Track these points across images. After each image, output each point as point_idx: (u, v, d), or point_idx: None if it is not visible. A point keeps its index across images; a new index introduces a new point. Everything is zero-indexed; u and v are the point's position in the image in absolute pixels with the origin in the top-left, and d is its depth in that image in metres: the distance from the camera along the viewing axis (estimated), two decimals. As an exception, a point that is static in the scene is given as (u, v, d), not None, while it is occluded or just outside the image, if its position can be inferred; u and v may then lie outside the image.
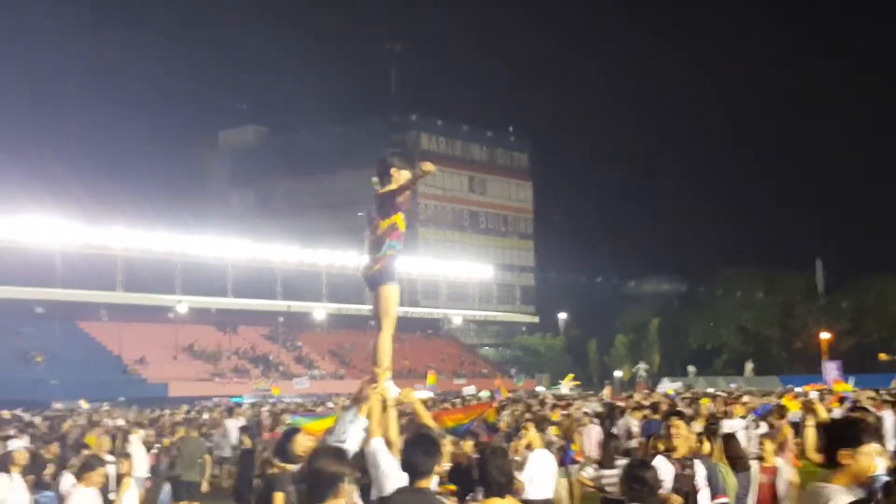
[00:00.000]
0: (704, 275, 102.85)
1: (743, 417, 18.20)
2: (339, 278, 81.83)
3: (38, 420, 28.65)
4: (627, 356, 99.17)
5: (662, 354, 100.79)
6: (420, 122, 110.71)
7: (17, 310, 67.48)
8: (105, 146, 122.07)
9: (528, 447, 12.15)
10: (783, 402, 18.63)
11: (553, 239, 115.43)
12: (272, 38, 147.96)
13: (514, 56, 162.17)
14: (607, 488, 9.59)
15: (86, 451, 13.11)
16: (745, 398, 29.78)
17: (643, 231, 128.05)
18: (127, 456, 13.42)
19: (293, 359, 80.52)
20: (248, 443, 18.09)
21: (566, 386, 57.81)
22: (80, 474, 10.13)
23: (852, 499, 4.68)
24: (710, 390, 48.65)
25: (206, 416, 30.48)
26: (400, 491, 5.81)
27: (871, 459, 5.18)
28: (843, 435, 5.20)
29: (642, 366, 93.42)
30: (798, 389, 38.29)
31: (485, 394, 56.09)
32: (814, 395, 22.61)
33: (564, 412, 23.74)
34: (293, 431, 7.20)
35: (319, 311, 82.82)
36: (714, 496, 7.77)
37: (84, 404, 44.17)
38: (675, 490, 7.44)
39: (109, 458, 12.28)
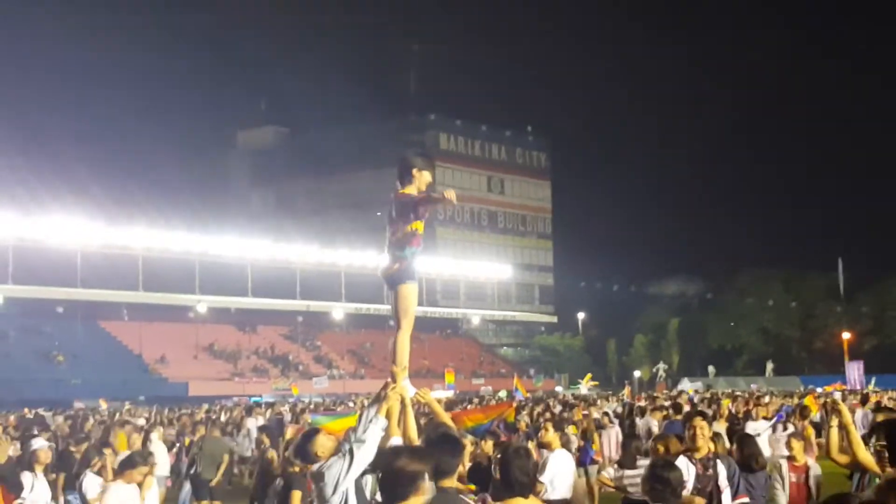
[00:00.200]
0: (724, 275, 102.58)
1: (766, 419, 18.11)
2: (358, 278, 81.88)
3: (59, 419, 28.78)
4: (647, 356, 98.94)
5: (682, 355, 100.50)
6: (439, 122, 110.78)
7: (38, 309, 67.90)
8: (125, 147, 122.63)
9: (548, 447, 12.10)
10: (805, 402, 18.53)
11: (572, 239, 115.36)
12: (291, 38, 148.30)
13: (533, 56, 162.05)
14: (629, 489, 9.54)
15: (107, 450, 13.13)
16: (766, 398, 29.69)
17: (663, 231, 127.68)
18: (149, 454, 13.45)
19: (312, 358, 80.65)
20: (267, 442, 18.12)
21: (585, 386, 57.75)
22: (121, 470, 10.14)
23: None
24: (730, 391, 48.51)
25: (223, 416, 30.54)
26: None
27: None
28: None
29: (662, 366, 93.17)
30: (819, 390, 38.11)
31: (502, 393, 56.13)
32: (837, 395, 22.49)
33: (585, 412, 23.68)
34: (314, 431, 7.17)
35: (338, 311, 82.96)
36: (735, 496, 7.73)
37: (103, 403, 44.38)
38: (698, 491, 7.40)
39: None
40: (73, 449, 14.81)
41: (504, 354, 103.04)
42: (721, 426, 15.34)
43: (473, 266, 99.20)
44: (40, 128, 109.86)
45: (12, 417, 29.44)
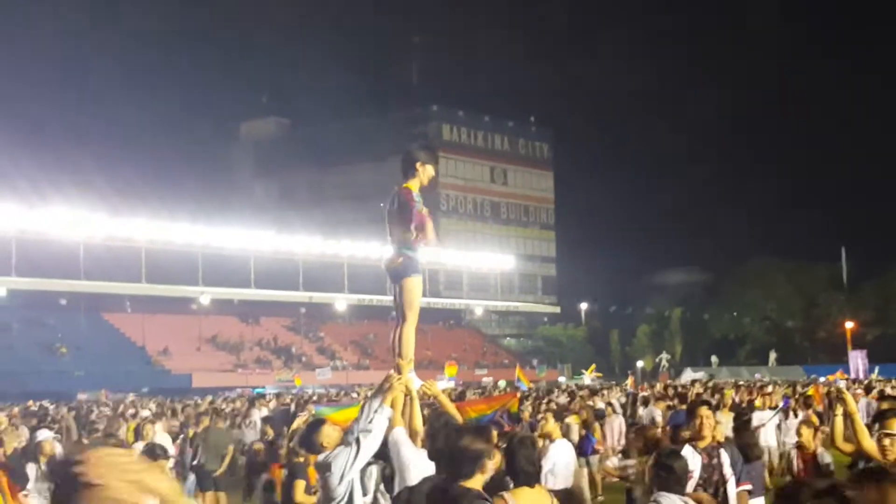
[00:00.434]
0: (728, 265, 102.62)
1: (772, 408, 18.16)
2: (361, 269, 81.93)
3: (64, 411, 28.83)
4: (650, 346, 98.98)
5: (685, 345, 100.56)
6: (441, 113, 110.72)
7: (41, 301, 68.00)
8: (128, 139, 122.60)
9: (549, 437, 12.13)
10: (809, 392, 18.57)
11: (575, 229, 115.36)
12: (293, 31, 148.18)
13: (535, 46, 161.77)
14: (632, 478, 9.55)
15: (111, 441, 13.16)
16: (768, 388, 29.68)
17: (665, 221, 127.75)
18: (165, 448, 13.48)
19: (315, 350, 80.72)
20: (271, 433, 18.13)
21: (589, 377, 57.79)
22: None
23: None
24: (733, 381, 48.51)
25: (228, 407, 30.56)
26: (429, 479, 5.82)
27: None
28: None
29: (665, 356, 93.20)
30: (822, 379, 38.14)
31: (502, 384, 56.17)
32: (841, 384, 22.52)
33: (589, 402, 23.70)
34: (319, 422, 7.18)
35: (341, 302, 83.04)
36: (738, 484, 7.74)
37: (103, 395, 44.46)
38: (704, 480, 7.41)
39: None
40: (86, 441, 14.85)
41: (507, 345, 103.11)
42: (724, 416, 15.35)
43: (476, 257, 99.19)
44: (43, 120, 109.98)
45: (16, 409, 29.49)
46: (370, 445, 6.45)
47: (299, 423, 16.93)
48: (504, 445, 6.20)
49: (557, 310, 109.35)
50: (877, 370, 50.84)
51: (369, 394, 7.58)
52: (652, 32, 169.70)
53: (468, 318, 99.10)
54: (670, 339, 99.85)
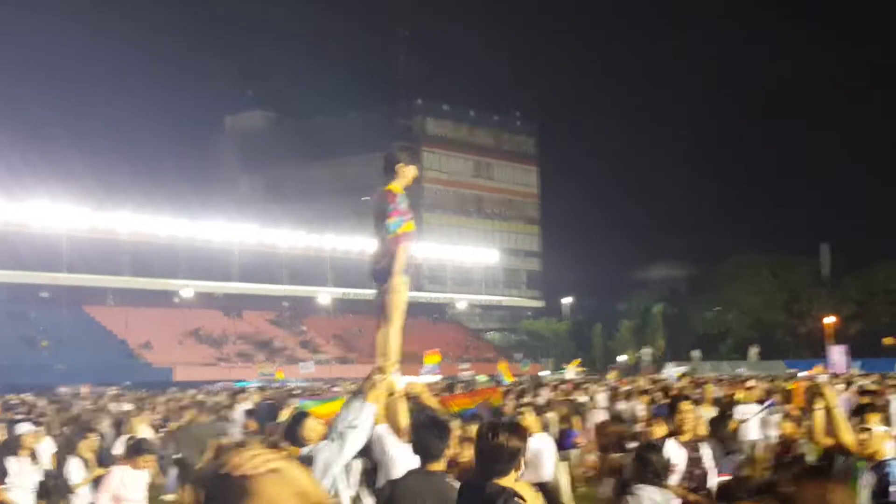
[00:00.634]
0: (710, 260, 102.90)
1: (760, 402, 18.25)
2: (345, 263, 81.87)
3: (43, 403, 28.72)
4: (632, 341, 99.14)
5: (667, 339, 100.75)
6: (426, 107, 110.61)
7: (22, 294, 67.67)
8: (112, 131, 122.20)
9: (528, 431, 12.16)
10: (790, 387, 18.66)
11: (559, 224, 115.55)
12: (279, 23, 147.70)
13: (521, 41, 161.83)
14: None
15: (91, 435, 13.12)
16: (751, 382, 29.81)
17: (649, 216, 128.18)
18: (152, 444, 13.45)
19: (298, 343, 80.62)
20: (253, 427, 18.12)
21: (572, 371, 57.88)
22: (128, 456, 10.12)
23: None
24: (714, 375, 48.68)
25: (209, 401, 30.45)
26: (411, 472, 5.82)
27: None
28: None
29: (647, 350, 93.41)
30: (802, 374, 38.32)
31: (482, 378, 56.15)
32: (823, 378, 22.66)
33: (571, 397, 23.76)
34: (303, 415, 7.17)
35: (325, 296, 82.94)
36: (718, 475, 7.83)
37: (84, 389, 44.24)
38: (689, 473, 7.49)
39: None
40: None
41: (490, 339, 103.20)
42: (706, 410, 15.41)
43: (460, 251, 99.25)
44: (26, 112, 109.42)
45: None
46: (356, 441, 6.44)
47: (285, 415, 16.93)
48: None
49: (541, 304, 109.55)
50: (857, 365, 51.12)
51: (353, 388, 7.58)
52: (636, 26, 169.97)
53: (452, 312, 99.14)
54: (653, 334, 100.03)
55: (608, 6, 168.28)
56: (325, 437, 6.73)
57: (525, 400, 21.13)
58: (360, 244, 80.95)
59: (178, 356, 67.88)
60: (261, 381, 59.78)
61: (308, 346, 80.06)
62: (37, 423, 16.15)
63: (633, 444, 8.99)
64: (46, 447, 14.46)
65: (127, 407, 26.42)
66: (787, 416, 12.04)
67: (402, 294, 6.95)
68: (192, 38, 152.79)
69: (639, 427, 15.51)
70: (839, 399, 14.30)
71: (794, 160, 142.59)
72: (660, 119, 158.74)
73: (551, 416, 17.70)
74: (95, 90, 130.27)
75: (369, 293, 7.21)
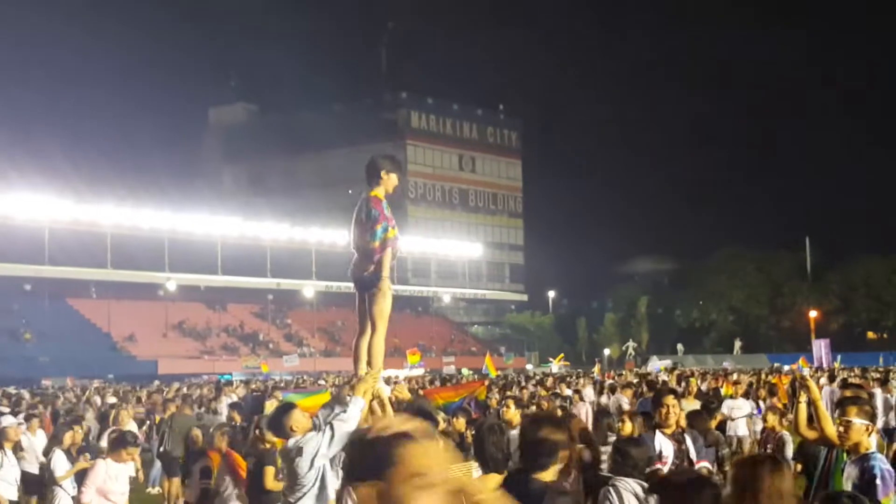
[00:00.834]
0: (694, 254, 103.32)
1: (746, 396, 18.39)
2: (329, 256, 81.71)
3: (26, 394, 28.63)
4: (617, 334, 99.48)
5: (651, 333, 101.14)
6: (410, 101, 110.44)
7: (5, 287, 67.26)
8: (95, 123, 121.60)
9: (510, 425, 12.21)
10: (773, 380, 18.78)
11: (543, 217, 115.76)
12: (262, 16, 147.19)
13: (505, 35, 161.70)
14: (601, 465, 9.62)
15: (77, 427, 13.09)
16: (734, 376, 30.00)
17: (633, 210, 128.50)
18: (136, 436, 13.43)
19: (283, 336, 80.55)
20: (237, 419, 18.08)
21: (556, 365, 58.07)
22: (112, 449, 10.10)
23: None
24: (698, 368, 48.86)
25: (194, 393, 30.42)
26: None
27: None
28: None
29: (631, 344, 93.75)
30: (786, 367, 38.52)
31: (466, 371, 56.26)
32: (806, 371, 22.79)
33: (556, 390, 23.80)
34: (290, 406, 7.16)
35: (309, 289, 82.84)
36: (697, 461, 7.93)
37: (69, 382, 44.13)
38: (677, 465, 7.57)
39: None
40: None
41: (475, 333, 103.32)
42: (690, 403, 15.48)
43: (444, 244, 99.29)
44: (7, 104, 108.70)
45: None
46: (344, 432, 6.46)
47: (270, 407, 16.91)
48: (472, 432, 6.25)
49: (525, 298, 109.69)
50: (839, 359, 51.37)
51: (337, 381, 7.60)
52: (623, 22, 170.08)
53: (436, 306, 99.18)
54: (637, 328, 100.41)
55: (592, 1, 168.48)
56: (310, 429, 6.75)
57: (508, 394, 21.19)
58: (345, 237, 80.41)
59: (163, 349, 67.72)
60: (245, 374, 59.77)
61: (292, 340, 79.99)
62: (28, 417, 16.14)
63: (614, 438, 9.06)
64: (39, 441, 14.43)
65: (112, 400, 26.35)
66: (770, 408, 12.16)
67: (385, 302, 6.95)
68: (176, 31, 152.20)
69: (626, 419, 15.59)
70: (823, 392, 14.40)
71: (776, 155, 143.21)
72: (644, 114, 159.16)
73: (534, 410, 17.75)
74: (78, 83, 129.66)
75: (353, 287, 7.19)
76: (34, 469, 13.47)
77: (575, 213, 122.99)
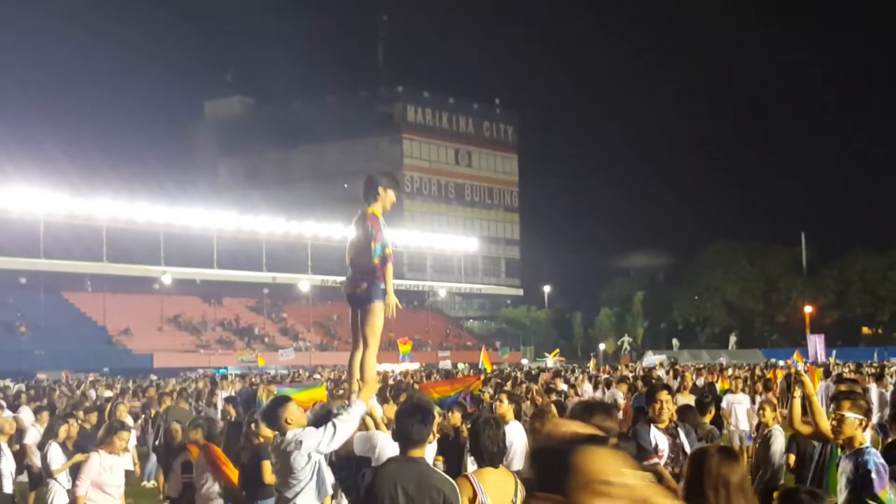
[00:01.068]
0: (689, 249, 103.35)
1: (743, 392, 18.42)
2: (325, 250, 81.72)
3: (21, 387, 28.61)
4: (612, 329, 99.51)
5: (647, 328, 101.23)
6: (407, 94, 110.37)
7: (0, 280, 67.23)
8: (91, 117, 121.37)
9: (503, 419, 12.22)
10: (768, 375, 18.80)
11: (539, 212, 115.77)
12: (258, 9, 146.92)
13: (502, 29, 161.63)
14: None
15: (71, 420, 13.06)
16: (729, 371, 30.04)
17: (629, 204, 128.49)
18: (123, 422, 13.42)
19: (278, 330, 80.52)
20: (233, 413, 18.07)
21: (551, 360, 58.11)
22: (103, 440, 10.09)
23: None
24: (693, 363, 48.93)
25: (190, 387, 30.43)
26: (391, 460, 5.82)
27: None
28: None
29: (627, 339, 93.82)
30: (781, 363, 38.57)
31: (461, 366, 56.29)
32: (800, 366, 22.82)
33: (551, 385, 23.78)
34: (285, 399, 7.13)
35: (304, 283, 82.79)
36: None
37: (65, 375, 44.07)
38: (672, 459, 7.62)
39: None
40: (83, 418, 14.72)
41: (470, 327, 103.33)
42: (685, 398, 15.49)
43: (440, 239, 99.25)
44: (3, 98, 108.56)
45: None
46: (346, 431, 6.48)
47: (261, 394, 16.89)
48: (468, 426, 6.26)
49: (521, 292, 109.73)
50: (834, 354, 51.45)
51: (333, 375, 7.61)
52: (619, 17, 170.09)
53: (432, 300, 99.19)
54: (632, 322, 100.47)
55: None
56: (305, 424, 6.74)
57: (506, 388, 21.14)
58: (341, 231, 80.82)
59: (158, 343, 67.69)
60: (241, 367, 59.73)
61: (288, 333, 79.98)
62: (38, 410, 16.19)
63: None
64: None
65: (108, 394, 26.34)
66: (765, 402, 12.20)
67: (378, 319, 7.00)
68: (172, 25, 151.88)
69: (619, 415, 15.62)
70: (817, 388, 14.42)
71: (772, 149, 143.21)
72: (640, 109, 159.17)
73: (528, 405, 17.76)
74: (74, 77, 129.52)
75: (347, 303, 7.25)
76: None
77: (571, 208, 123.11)
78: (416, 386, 19.02)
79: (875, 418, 14.96)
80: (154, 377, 44.57)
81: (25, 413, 17.15)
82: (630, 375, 26.85)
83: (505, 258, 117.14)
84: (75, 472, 10.69)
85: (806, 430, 7.25)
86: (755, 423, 11.04)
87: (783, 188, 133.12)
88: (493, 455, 5.94)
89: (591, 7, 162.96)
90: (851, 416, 6.36)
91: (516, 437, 11.91)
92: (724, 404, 17.92)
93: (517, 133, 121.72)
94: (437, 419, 10.71)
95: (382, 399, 10.76)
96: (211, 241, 78.90)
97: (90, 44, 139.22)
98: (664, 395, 8.10)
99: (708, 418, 11.83)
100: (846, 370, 29.98)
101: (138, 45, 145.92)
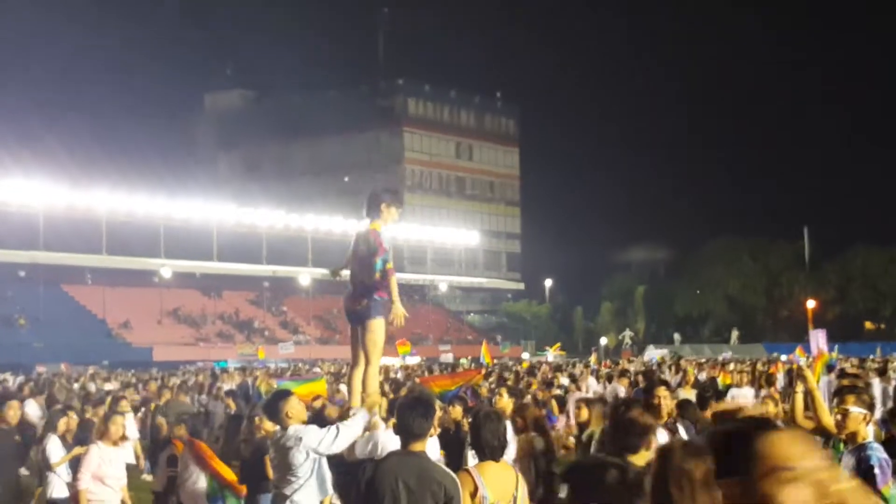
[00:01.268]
0: (691, 243, 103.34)
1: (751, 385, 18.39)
2: (325, 243, 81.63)
3: (21, 381, 28.55)
4: (613, 323, 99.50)
5: (648, 322, 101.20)
6: (407, 87, 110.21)
7: (0, 273, 67.22)
8: (90, 110, 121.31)
9: (503, 413, 12.22)
10: (770, 370, 18.76)
11: (540, 206, 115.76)
12: (259, 1, 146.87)
13: (503, 22, 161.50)
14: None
15: (70, 413, 13.03)
16: (731, 365, 30.01)
17: (630, 198, 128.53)
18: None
19: (278, 324, 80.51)
20: (233, 406, 18.06)
21: (552, 354, 58.05)
22: (100, 431, 10.06)
23: None
24: (695, 358, 48.88)
25: (190, 380, 30.42)
26: (392, 454, 5.78)
27: None
28: None
29: (628, 333, 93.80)
30: (783, 357, 38.56)
31: (464, 361, 56.25)
32: (802, 361, 22.80)
33: (550, 377, 23.78)
34: (286, 393, 7.11)
35: (305, 277, 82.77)
36: None
37: (64, 368, 44.06)
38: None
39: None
40: (89, 412, 14.70)
41: (471, 321, 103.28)
42: (687, 393, 15.46)
43: (441, 232, 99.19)
44: (2, 91, 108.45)
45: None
46: (347, 436, 6.47)
47: (260, 384, 16.87)
48: (469, 420, 6.23)
49: (521, 286, 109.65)
50: (836, 349, 51.40)
51: (333, 369, 7.60)
52: (620, 9, 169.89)
53: (432, 294, 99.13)
54: (634, 317, 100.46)
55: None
56: (305, 420, 6.72)
57: (507, 381, 21.11)
58: (341, 224, 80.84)
59: (158, 336, 67.69)
60: (240, 361, 59.76)
61: (288, 327, 79.97)
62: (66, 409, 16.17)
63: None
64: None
65: (109, 386, 26.32)
66: (767, 397, 12.18)
67: (379, 334, 7.01)
68: (172, 17, 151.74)
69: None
70: (820, 382, 14.39)
71: (774, 144, 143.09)
72: (642, 102, 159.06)
73: (528, 399, 17.73)
74: (74, 68, 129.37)
75: (347, 319, 7.26)
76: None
77: (572, 202, 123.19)
78: (417, 380, 18.99)
79: (878, 413, 14.93)
80: (155, 371, 44.52)
81: (32, 407, 17.10)
82: (631, 370, 26.81)
83: (506, 252, 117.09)
84: (75, 465, 10.66)
85: (808, 424, 7.22)
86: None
87: (786, 183, 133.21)
88: (493, 449, 5.91)
89: (591, 2, 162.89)
90: (856, 411, 6.31)
91: (513, 431, 11.94)
92: (728, 399, 17.88)
93: (518, 126, 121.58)
94: (439, 413, 10.70)
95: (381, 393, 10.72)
96: (211, 234, 78.86)
97: (90, 37, 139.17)
98: (662, 391, 8.08)
99: (708, 413, 11.80)
100: (849, 365, 29.99)
101: (138, 39, 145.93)
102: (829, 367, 21.42)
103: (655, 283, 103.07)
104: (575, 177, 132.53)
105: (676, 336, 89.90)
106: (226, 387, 24.08)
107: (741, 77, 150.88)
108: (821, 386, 15.92)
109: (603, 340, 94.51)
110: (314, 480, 6.51)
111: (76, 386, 27.58)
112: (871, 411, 6.73)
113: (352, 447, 6.70)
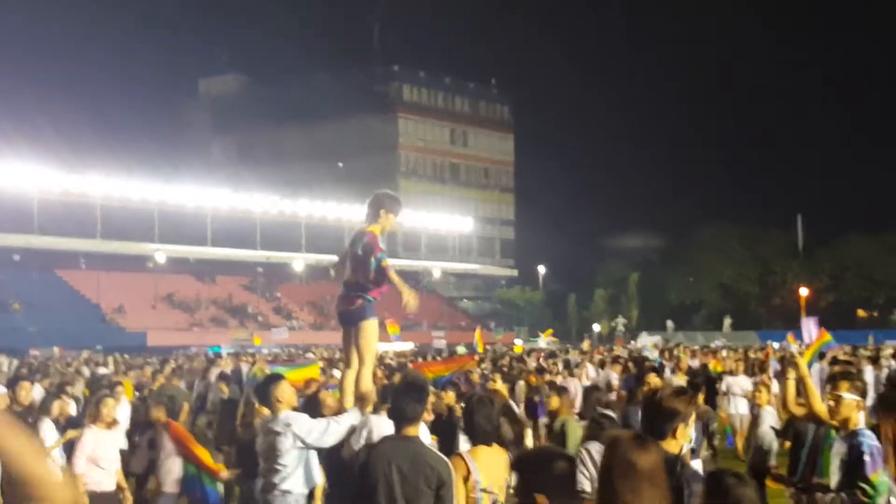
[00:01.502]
0: (685, 230, 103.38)
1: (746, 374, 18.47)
2: (319, 229, 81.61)
3: (14, 363, 28.55)
4: (606, 311, 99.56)
5: (641, 309, 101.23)
6: (402, 74, 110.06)
7: (-6, 257, 67.18)
8: (84, 94, 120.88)
9: (498, 396, 12.25)
10: (761, 357, 18.82)
11: (534, 192, 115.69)
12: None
13: (498, 8, 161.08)
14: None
15: (64, 397, 13.02)
16: (724, 353, 30.11)
17: (624, 186, 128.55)
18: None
19: (271, 309, 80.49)
20: (226, 391, 18.07)
21: (544, 340, 58.17)
22: (92, 415, 10.07)
23: None
24: (688, 345, 48.92)
25: (186, 365, 30.38)
26: (386, 438, 5.80)
27: None
28: None
29: (621, 320, 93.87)
30: (775, 345, 38.63)
31: (461, 349, 56.23)
32: (794, 348, 22.85)
33: (543, 363, 23.82)
34: (278, 377, 7.12)
35: (298, 262, 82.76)
36: None
37: (57, 352, 44.02)
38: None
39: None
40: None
41: (464, 307, 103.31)
42: (679, 380, 15.51)
43: (435, 218, 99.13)
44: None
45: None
46: (337, 431, 6.49)
47: (255, 370, 16.88)
48: (462, 406, 6.26)
49: (515, 273, 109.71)
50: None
51: (326, 355, 7.61)
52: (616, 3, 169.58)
53: (426, 280, 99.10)
54: (627, 304, 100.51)
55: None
56: (296, 407, 6.74)
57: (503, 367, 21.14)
58: (335, 210, 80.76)
59: (152, 321, 67.65)
60: (234, 346, 59.71)
61: (281, 312, 79.96)
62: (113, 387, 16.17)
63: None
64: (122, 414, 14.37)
65: (103, 371, 26.30)
66: (760, 384, 12.24)
67: (372, 336, 7.00)
68: (166, 1, 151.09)
69: (613, 395, 15.66)
70: (812, 369, 14.44)
71: (767, 132, 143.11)
72: (638, 90, 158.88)
73: (521, 384, 17.81)
74: (67, 53, 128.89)
75: (338, 322, 7.25)
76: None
77: (566, 189, 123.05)
78: (411, 365, 19.02)
79: (870, 401, 14.99)
80: (147, 355, 44.46)
81: (36, 391, 17.07)
82: (624, 356, 26.86)
83: (500, 238, 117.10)
84: (69, 449, 10.67)
85: (800, 411, 7.24)
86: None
87: (779, 171, 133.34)
88: (486, 433, 5.94)
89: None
90: (849, 397, 6.33)
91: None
92: (723, 386, 17.93)
93: (513, 113, 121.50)
94: (432, 399, 10.73)
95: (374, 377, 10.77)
96: (205, 220, 78.77)
97: (84, 21, 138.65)
98: (653, 378, 8.12)
99: (700, 399, 11.86)
100: (841, 353, 30.04)
101: (133, 23, 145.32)
102: (821, 355, 21.48)
103: (649, 270, 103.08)
104: (569, 164, 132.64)
105: (669, 323, 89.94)
106: (216, 371, 24.08)
107: (736, 62, 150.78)
108: (812, 373, 15.99)
109: (596, 327, 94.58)
110: (301, 470, 6.52)
111: (70, 369, 27.58)
112: (864, 398, 6.75)
113: (348, 444, 6.69)
